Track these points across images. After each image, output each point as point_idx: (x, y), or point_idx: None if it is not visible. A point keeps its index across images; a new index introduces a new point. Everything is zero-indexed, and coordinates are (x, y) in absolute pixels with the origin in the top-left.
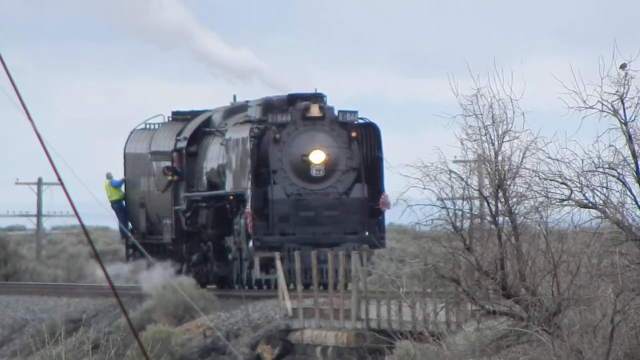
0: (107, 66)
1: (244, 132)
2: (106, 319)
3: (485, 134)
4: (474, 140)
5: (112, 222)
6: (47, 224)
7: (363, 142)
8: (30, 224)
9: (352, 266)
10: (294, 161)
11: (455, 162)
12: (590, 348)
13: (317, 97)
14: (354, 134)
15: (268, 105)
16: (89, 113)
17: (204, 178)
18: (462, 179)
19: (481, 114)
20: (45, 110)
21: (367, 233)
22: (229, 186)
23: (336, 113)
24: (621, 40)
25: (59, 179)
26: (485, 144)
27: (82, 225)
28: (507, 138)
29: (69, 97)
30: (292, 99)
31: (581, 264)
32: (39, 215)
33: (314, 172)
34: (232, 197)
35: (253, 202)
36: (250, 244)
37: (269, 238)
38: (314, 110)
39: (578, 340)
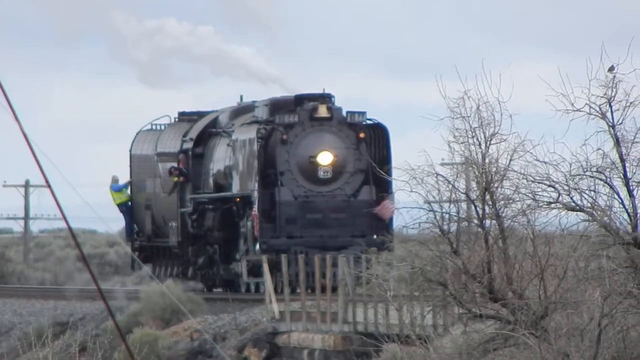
0: (95, 69)
1: (250, 133)
2: (93, 322)
3: (473, 137)
4: (461, 143)
5: (100, 225)
6: (34, 226)
7: (371, 143)
8: (17, 226)
9: (339, 269)
10: (301, 162)
11: (442, 164)
12: (578, 351)
13: (325, 98)
14: (362, 135)
15: (275, 106)
16: (78, 116)
17: (211, 180)
18: (449, 181)
19: (468, 117)
20: (33, 112)
21: (374, 236)
22: (235, 188)
23: (344, 114)
24: (609, 43)
25: (46, 181)
26: (473, 147)
27: (70, 228)
28: (494, 140)
29: (56, 100)
30: (300, 100)
31: (568, 267)
32: (26, 218)
33: (321, 174)
34: (238, 199)
35: (260, 204)
36: (257, 246)
37: (276, 241)
38: (322, 111)
39: (565, 344)
